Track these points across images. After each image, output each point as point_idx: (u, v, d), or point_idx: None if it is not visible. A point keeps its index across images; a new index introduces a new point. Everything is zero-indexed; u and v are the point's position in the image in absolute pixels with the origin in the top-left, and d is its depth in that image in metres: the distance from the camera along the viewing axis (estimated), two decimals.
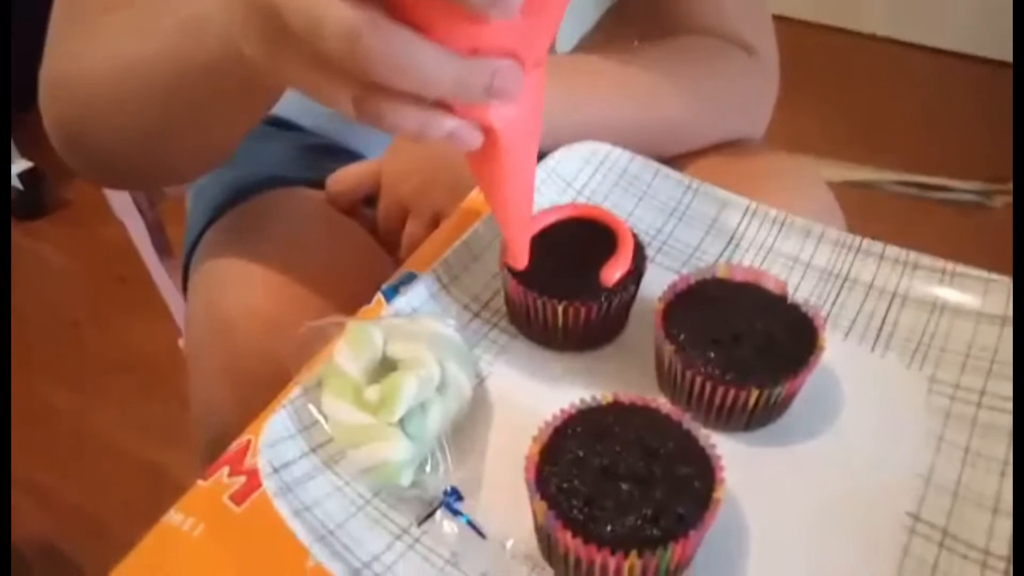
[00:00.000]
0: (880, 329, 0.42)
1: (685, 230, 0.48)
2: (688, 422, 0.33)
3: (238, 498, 0.35)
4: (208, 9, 0.38)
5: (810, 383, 0.38)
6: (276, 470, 0.33)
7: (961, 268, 0.43)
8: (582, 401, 0.34)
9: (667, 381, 0.38)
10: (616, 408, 0.34)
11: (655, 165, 0.50)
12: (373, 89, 0.30)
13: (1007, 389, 0.38)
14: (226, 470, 0.36)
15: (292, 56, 0.31)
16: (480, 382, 0.40)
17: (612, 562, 0.28)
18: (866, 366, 0.41)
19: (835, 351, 0.41)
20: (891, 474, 0.36)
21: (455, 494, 0.33)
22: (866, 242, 0.45)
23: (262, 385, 0.41)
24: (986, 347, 0.40)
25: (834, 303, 0.44)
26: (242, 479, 0.36)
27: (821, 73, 1.82)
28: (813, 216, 0.48)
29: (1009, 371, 0.39)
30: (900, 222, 1.42)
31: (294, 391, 0.36)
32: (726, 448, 0.33)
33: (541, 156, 0.51)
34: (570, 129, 0.51)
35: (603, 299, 0.39)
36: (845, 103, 1.79)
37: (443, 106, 0.31)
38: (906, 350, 0.41)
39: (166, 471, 1.18)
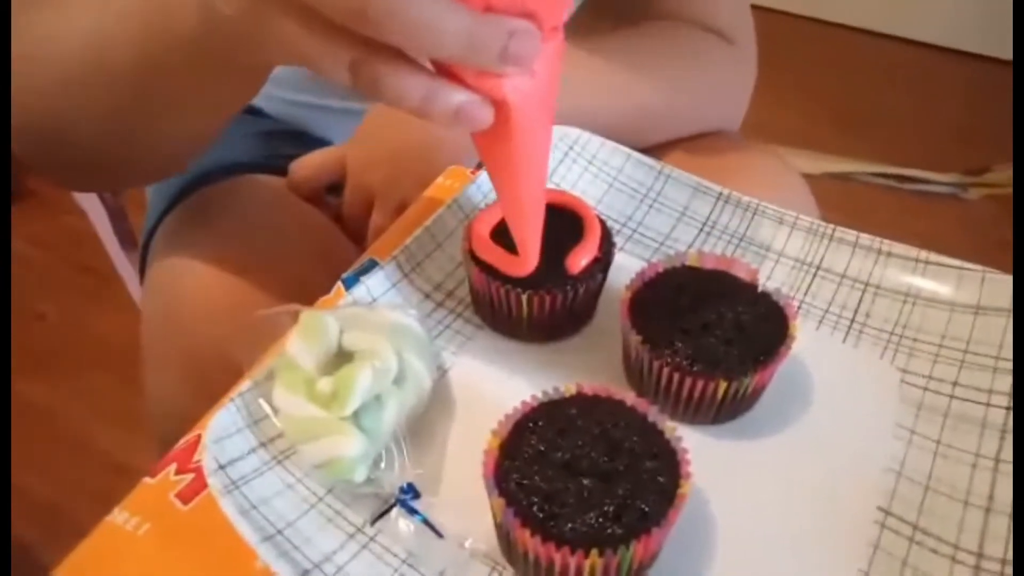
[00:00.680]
0: (852, 319, 0.42)
1: (656, 217, 0.47)
2: (654, 415, 0.32)
3: (185, 496, 0.33)
4: None
5: (781, 374, 0.37)
6: (222, 467, 0.31)
7: (935, 257, 0.42)
8: (544, 393, 0.33)
9: (634, 372, 0.37)
10: (579, 400, 0.32)
11: (626, 151, 0.48)
12: (373, 52, 0.27)
13: (980, 380, 0.38)
14: (173, 467, 0.35)
15: (280, 10, 0.27)
16: (442, 374, 0.39)
17: (572, 561, 0.27)
18: (838, 357, 0.40)
19: (807, 341, 0.40)
20: (862, 468, 0.35)
21: (411, 491, 0.32)
22: (839, 230, 0.44)
23: (216, 379, 0.39)
24: (959, 337, 0.40)
25: (806, 292, 0.43)
26: (190, 476, 0.34)
27: (799, 64, 1.81)
28: (788, 208, 0.47)
29: (982, 361, 0.38)
30: (876, 213, 1.42)
31: (243, 384, 0.34)
32: (693, 441, 0.32)
33: None
34: None
35: (569, 287, 0.38)
36: (823, 94, 1.79)
37: (450, 77, 0.28)
38: (879, 340, 0.40)
39: (136, 466, 1.16)
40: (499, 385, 0.38)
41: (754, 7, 0.64)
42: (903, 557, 0.32)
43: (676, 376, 0.34)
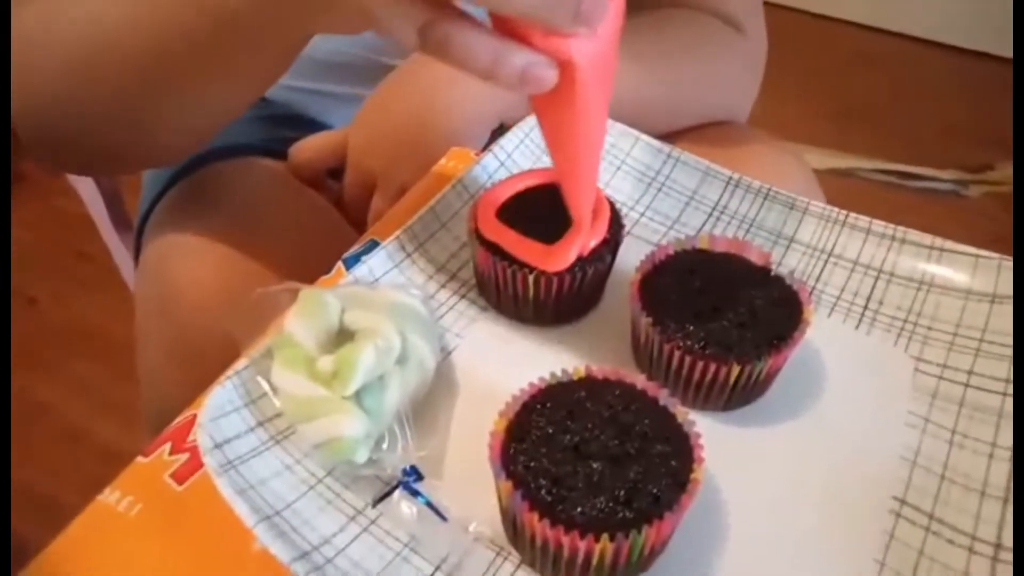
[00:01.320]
0: (865, 306, 0.41)
1: (664, 201, 0.46)
2: (665, 398, 0.31)
3: (180, 476, 0.32)
4: None
5: (793, 361, 0.36)
6: (218, 445, 0.30)
7: (950, 244, 0.41)
8: (552, 375, 0.32)
9: (644, 356, 0.36)
10: (588, 382, 0.31)
11: (634, 133, 0.47)
12: (443, 15, 0.27)
13: (995, 369, 0.37)
14: (167, 447, 0.34)
15: None
16: (445, 356, 0.37)
17: (581, 546, 0.26)
18: (851, 344, 0.39)
19: (819, 328, 0.39)
20: (876, 457, 0.34)
21: (414, 473, 0.31)
22: (852, 216, 0.43)
23: (210, 361, 0.38)
24: (974, 326, 0.39)
25: (818, 279, 0.42)
26: (185, 456, 0.33)
27: (800, 59, 1.80)
28: None
29: (998, 350, 0.37)
30: (877, 210, 1.41)
31: (240, 362, 0.33)
32: (704, 427, 0.31)
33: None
34: None
35: (577, 269, 0.36)
36: (824, 90, 1.78)
37: (516, 39, 0.28)
38: (892, 328, 0.40)
39: (128, 453, 1.14)
40: (504, 367, 0.37)
41: None
42: (919, 547, 0.31)
43: (688, 359, 0.33)
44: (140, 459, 0.33)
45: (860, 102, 1.75)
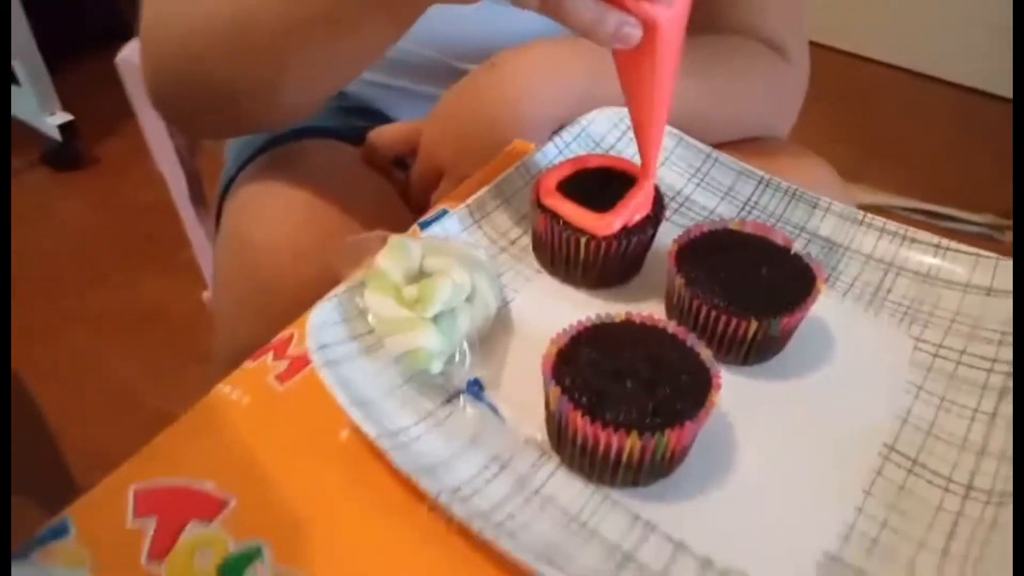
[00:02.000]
0: (875, 293, 0.46)
1: (702, 194, 0.52)
2: (692, 340, 0.37)
3: (282, 378, 0.39)
4: None
5: (806, 331, 0.42)
6: (321, 347, 0.36)
7: (954, 244, 0.46)
8: (597, 316, 0.38)
9: (675, 312, 0.42)
10: (628, 324, 0.37)
11: (678, 134, 0.54)
12: None
13: (984, 351, 0.42)
14: (271, 355, 0.40)
15: None
16: (503, 305, 0.44)
17: (615, 440, 0.32)
18: (860, 322, 0.44)
19: (832, 307, 0.44)
20: (872, 413, 0.40)
21: (477, 385, 0.37)
22: (869, 217, 0.49)
23: (279, 308, 0.44)
24: (970, 315, 0.44)
25: (835, 269, 0.48)
26: (286, 363, 0.40)
27: (839, 97, 1.86)
28: None
29: (988, 335, 0.43)
30: None
31: (340, 287, 0.40)
32: (724, 378, 0.36)
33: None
34: (591, 103, 0.55)
35: (623, 237, 0.43)
36: (861, 127, 1.83)
37: (610, 2, 0.36)
38: (897, 312, 0.45)
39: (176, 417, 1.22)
40: (554, 316, 0.43)
41: None
42: (901, 483, 0.36)
43: (713, 314, 0.39)
44: (248, 363, 0.40)
45: (897, 141, 1.80)
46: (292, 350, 0.40)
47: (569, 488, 0.35)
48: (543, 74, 0.56)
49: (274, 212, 0.55)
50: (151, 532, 0.33)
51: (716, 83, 0.62)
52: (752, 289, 0.40)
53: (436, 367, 0.37)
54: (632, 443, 0.32)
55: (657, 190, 0.45)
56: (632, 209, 0.42)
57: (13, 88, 1.57)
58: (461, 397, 0.36)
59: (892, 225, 0.48)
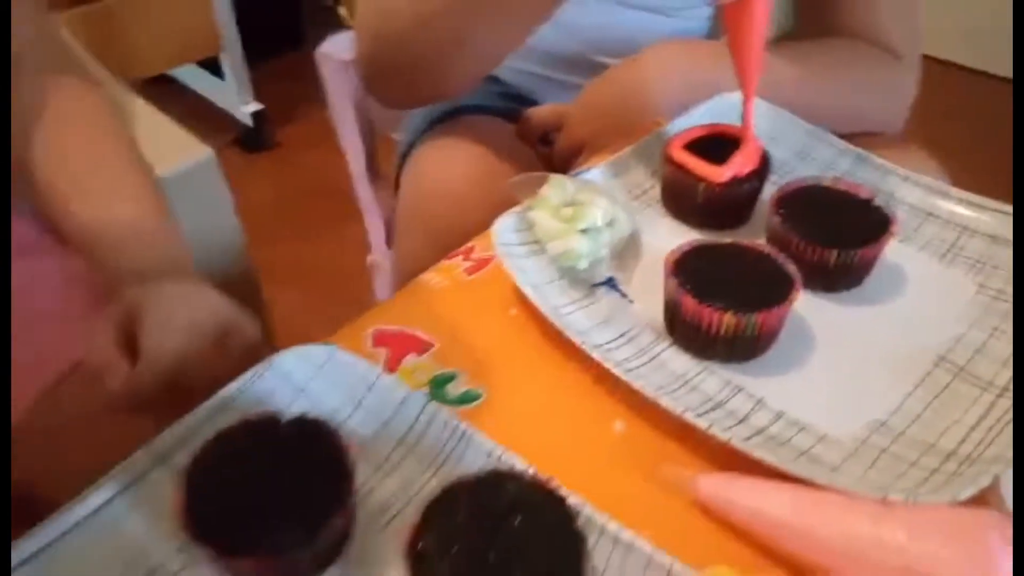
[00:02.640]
0: (949, 249, 0.55)
1: (805, 167, 0.62)
2: (782, 259, 0.48)
3: (468, 271, 0.53)
4: None
5: (884, 271, 0.51)
6: (504, 244, 0.50)
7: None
8: (707, 238, 0.49)
9: (774, 243, 0.52)
10: (733, 245, 0.49)
11: (786, 114, 0.64)
12: None
13: None
14: (460, 257, 0.54)
15: None
16: (635, 232, 0.56)
17: (715, 316, 0.44)
18: (932, 269, 0.54)
19: (910, 257, 0.54)
20: (932, 333, 0.49)
21: (612, 280, 0.49)
22: (951, 190, 0.58)
23: (449, 242, 0.58)
24: None
25: (916, 229, 0.57)
26: (471, 263, 0.54)
27: (946, 111, 1.84)
28: None
29: None
30: None
31: (516, 207, 0.53)
32: (812, 300, 0.47)
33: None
34: (713, 90, 0.66)
35: (734, 184, 0.54)
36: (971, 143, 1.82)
37: None
38: (966, 263, 0.54)
39: None
40: (674, 245, 0.55)
41: None
42: (946, 383, 0.46)
43: (803, 244, 0.50)
44: (444, 261, 0.54)
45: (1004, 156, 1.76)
46: (475, 255, 0.55)
47: (678, 359, 0.47)
48: (674, 67, 0.68)
49: (446, 164, 0.71)
50: (383, 359, 0.47)
51: (832, 76, 0.72)
52: (836, 227, 0.50)
53: (583, 264, 0.50)
54: (728, 320, 0.44)
55: (765, 152, 0.56)
56: (739, 163, 0.54)
57: (217, 81, 1.85)
58: (600, 288, 0.49)
59: (969, 196, 0.57)
